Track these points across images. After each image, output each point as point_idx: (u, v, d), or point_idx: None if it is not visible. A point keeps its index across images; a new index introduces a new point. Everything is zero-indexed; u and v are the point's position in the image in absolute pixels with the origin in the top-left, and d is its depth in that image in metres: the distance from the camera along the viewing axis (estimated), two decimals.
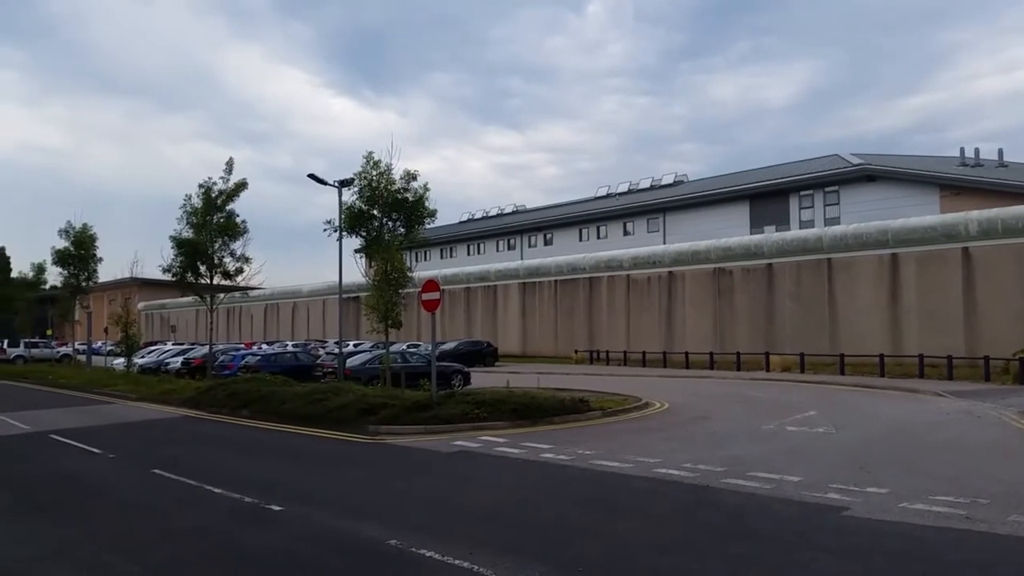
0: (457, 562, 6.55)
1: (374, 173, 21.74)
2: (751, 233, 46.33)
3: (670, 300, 42.78)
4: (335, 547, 7.36)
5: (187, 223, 28.34)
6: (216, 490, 10.01)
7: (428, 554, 6.82)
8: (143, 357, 38.82)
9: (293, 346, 43.65)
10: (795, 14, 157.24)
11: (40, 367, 42.95)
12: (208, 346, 30.78)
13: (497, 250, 68.71)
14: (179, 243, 28.15)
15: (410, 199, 21.95)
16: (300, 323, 71.20)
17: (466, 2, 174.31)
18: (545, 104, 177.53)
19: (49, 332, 63.69)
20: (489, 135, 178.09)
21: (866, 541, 7.18)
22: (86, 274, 38.76)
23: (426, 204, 22.17)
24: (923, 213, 36.48)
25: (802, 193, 47.68)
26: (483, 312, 55.00)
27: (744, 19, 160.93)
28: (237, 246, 28.59)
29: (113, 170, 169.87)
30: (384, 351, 23.75)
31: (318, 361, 31.04)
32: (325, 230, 23.45)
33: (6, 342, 56.30)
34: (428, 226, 23.47)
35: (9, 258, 51.73)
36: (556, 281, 50.02)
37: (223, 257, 28.48)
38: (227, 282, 29.71)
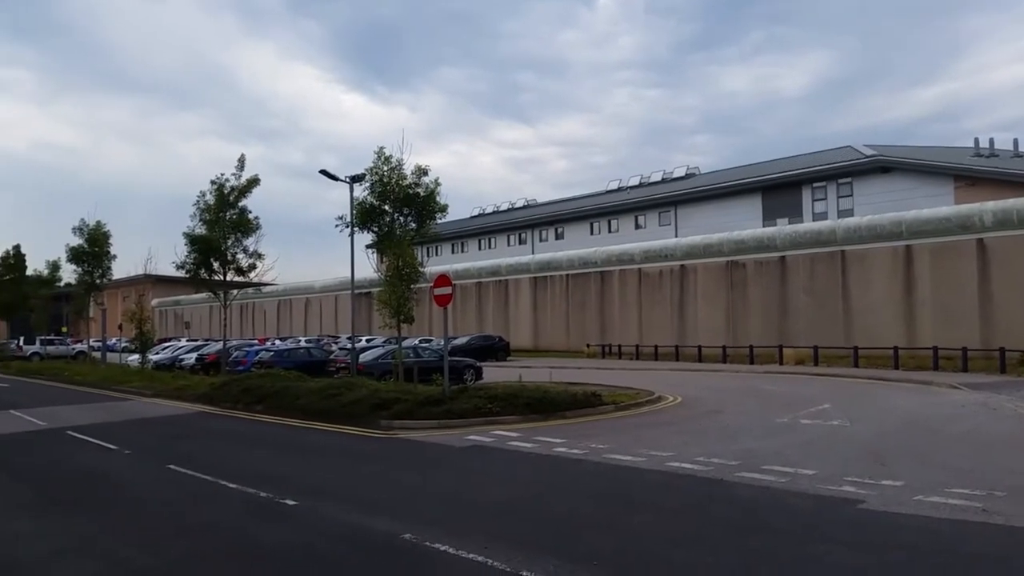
0: (471, 556, 6.57)
1: (385, 169, 21.75)
2: (764, 226, 46.13)
3: (682, 293, 42.67)
4: (350, 541, 7.40)
5: (200, 220, 28.48)
6: (231, 485, 10.07)
7: (442, 548, 6.84)
8: (157, 353, 39.13)
9: (306, 342, 43.83)
10: (808, 3, 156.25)
11: (56, 364, 43.31)
12: (222, 342, 30.95)
13: (508, 244, 68.70)
14: (192, 240, 28.28)
15: (421, 194, 21.95)
16: (313, 319, 71.46)
17: None
18: (556, 98, 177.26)
19: (64, 329, 64.16)
20: (500, 129, 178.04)
21: (881, 534, 7.15)
22: (100, 271, 39.06)
23: (437, 199, 22.16)
24: (937, 204, 36.22)
25: (815, 185, 47.43)
26: (495, 307, 55.03)
27: (756, 9, 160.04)
28: (250, 242, 28.74)
29: (126, 168, 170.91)
30: (396, 346, 23.80)
31: (331, 356, 31.13)
32: (337, 226, 23.53)
33: (22, 339, 56.80)
34: (439, 221, 23.46)
35: (24, 256, 52.01)
36: (567, 275, 49.97)
37: (236, 253, 28.61)
38: (240, 278, 29.85)
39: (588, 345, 45.09)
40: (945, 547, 6.77)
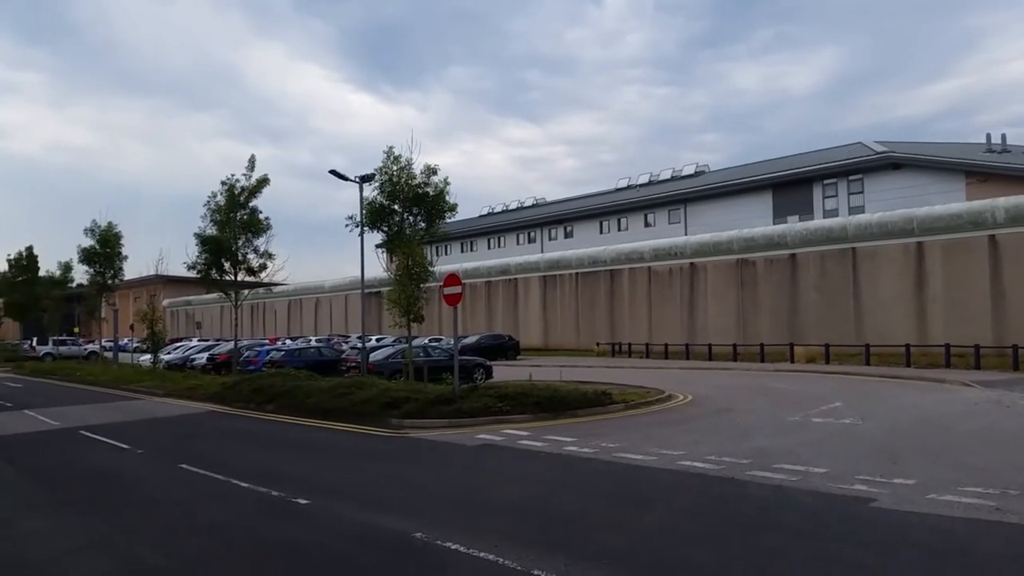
0: (482, 555, 6.58)
1: (394, 168, 21.78)
2: (774, 223, 45.96)
3: (692, 292, 42.57)
4: (362, 540, 7.42)
5: (211, 220, 28.60)
6: (243, 484, 10.11)
7: (454, 547, 6.85)
8: (169, 353, 39.30)
9: (316, 341, 43.95)
10: (817, 1, 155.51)
11: (68, 364, 43.60)
12: (233, 342, 31.07)
13: (517, 243, 68.70)
14: (203, 240, 28.40)
15: (430, 193, 21.97)
16: (323, 318, 71.66)
17: None
18: (564, 96, 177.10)
19: (76, 330, 64.59)
20: (508, 128, 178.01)
21: (894, 533, 7.12)
22: (112, 272, 39.28)
23: (446, 198, 22.18)
24: (949, 201, 35.99)
25: (826, 182, 47.23)
26: (504, 306, 55.05)
27: (765, 7, 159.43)
28: (260, 243, 28.83)
29: (139, 169, 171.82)
30: (407, 346, 23.84)
31: (343, 356, 31.18)
32: (347, 225, 23.63)
33: (35, 340, 57.15)
34: (448, 220, 23.50)
35: (37, 257, 52.36)
36: (577, 274, 49.93)
37: (247, 254, 28.71)
38: (251, 278, 29.96)
39: (598, 344, 45.04)
40: (959, 546, 6.73)
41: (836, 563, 6.32)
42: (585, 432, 13.98)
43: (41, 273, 51.72)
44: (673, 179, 62.42)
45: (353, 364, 27.21)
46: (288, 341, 48.13)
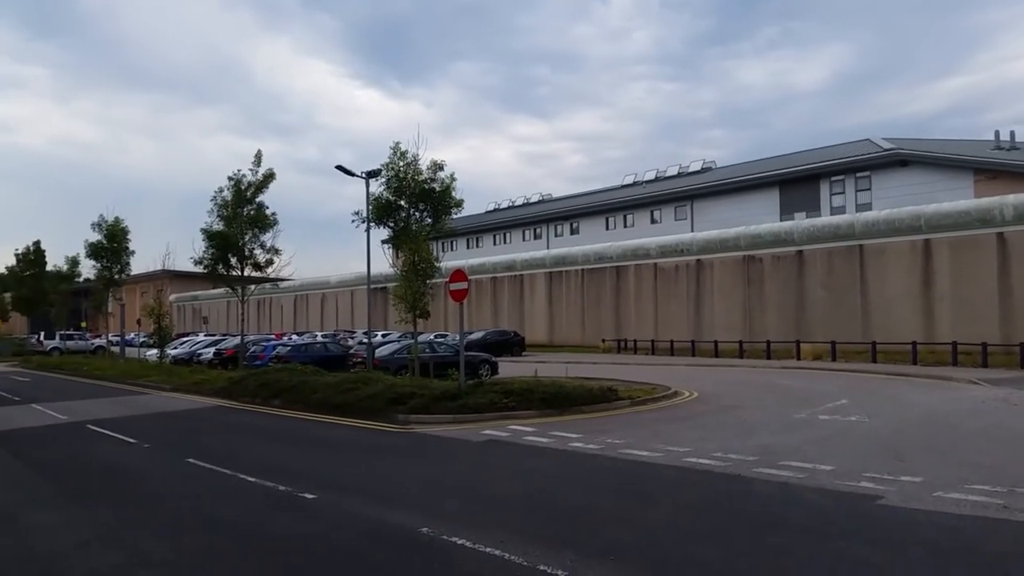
0: (488, 550, 6.59)
1: (401, 164, 21.79)
2: (781, 220, 45.82)
3: (698, 288, 42.50)
4: (369, 535, 7.43)
5: (218, 215, 28.67)
6: (250, 479, 10.15)
7: (460, 542, 6.87)
8: (176, 348, 39.39)
9: (322, 336, 44.02)
10: None
11: (75, 359, 43.79)
12: (239, 337, 31.15)
13: (523, 239, 68.65)
14: (210, 235, 28.47)
15: (437, 189, 21.98)
16: (329, 314, 71.77)
17: None
18: (571, 92, 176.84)
19: (83, 324, 64.82)
20: (515, 124, 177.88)
21: (901, 530, 7.10)
22: (119, 267, 39.44)
23: (453, 194, 22.19)
24: (957, 198, 35.81)
25: (833, 179, 47.05)
26: (510, 302, 55.03)
27: (771, 3, 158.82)
28: (267, 238, 28.94)
29: (145, 164, 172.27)
30: (412, 341, 23.86)
31: (351, 351, 31.17)
32: (353, 221, 23.67)
33: (42, 334, 57.41)
34: (454, 216, 23.50)
35: (44, 252, 52.59)
36: (583, 270, 49.88)
37: (253, 249, 28.80)
38: (257, 274, 30.04)
39: (603, 340, 45.02)
40: (966, 544, 6.71)
41: (843, 560, 6.30)
42: (591, 428, 13.98)
43: (48, 268, 51.97)
44: (680, 176, 62.30)
45: (361, 359, 27.25)
46: (294, 336, 48.23)
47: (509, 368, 26.78)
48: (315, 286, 74.39)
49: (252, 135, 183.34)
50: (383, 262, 27.27)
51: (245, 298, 30.02)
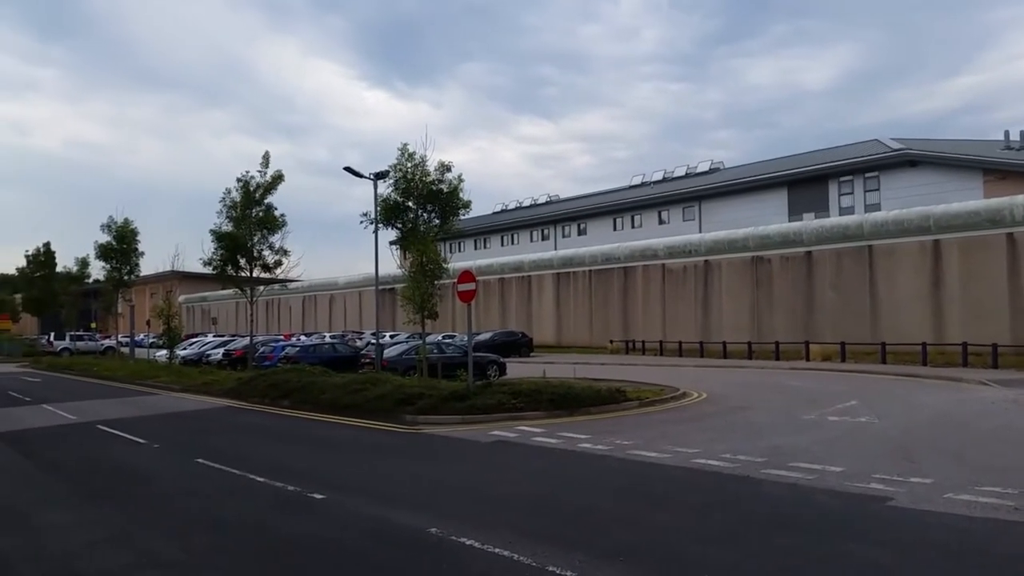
0: (497, 550, 6.59)
1: (409, 165, 21.85)
2: (789, 220, 45.72)
3: (706, 289, 42.41)
4: (377, 535, 7.45)
5: (227, 217, 28.79)
6: (258, 479, 10.18)
7: (468, 542, 6.87)
8: (185, 349, 39.57)
9: (331, 337, 44.13)
10: None
11: (85, 359, 43.99)
12: (248, 338, 31.24)
13: (531, 240, 68.66)
14: (219, 236, 28.59)
15: (445, 190, 22.03)
16: (337, 314, 71.91)
17: None
18: (578, 92, 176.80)
19: (93, 325, 65.13)
20: (522, 125, 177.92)
21: (911, 532, 7.07)
22: (128, 268, 39.64)
23: (460, 195, 22.23)
24: (966, 198, 35.66)
25: (842, 179, 46.90)
26: (518, 303, 55.04)
27: (780, 2, 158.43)
28: (276, 239, 29.03)
29: (154, 165, 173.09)
30: (420, 342, 23.90)
31: (362, 351, 31.18)
32: (361, 222, 23.72)
33: (52, 335, 57.72)
34: (462, 217, 23.53)
35: (54, 253, 52.91)
36: (591, 271, 49.84)
37: (262, 250, 28.90)
38: (266, 275, 30.13)
39: (611, 341, 44.96)
40: (977, 546, 6.68)
41: (852, 562, 6.28)
42: (599, 429, 13.97)
43: (58, 269, 52.30)
44: (687, 176, 62.19)
45: (368, 360, 27.31)
46: (303, 337, 48.36)
47: (517, 369, 26.78)
48: (323, 287, 74.55)
49: (261, 136, 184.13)
50: (391, 263, 27.31)
51: (254, 299, 30.11)
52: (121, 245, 38.94)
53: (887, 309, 34.24)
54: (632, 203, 60.47)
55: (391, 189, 22.43)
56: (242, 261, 28.88)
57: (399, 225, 22.78)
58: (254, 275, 29.44)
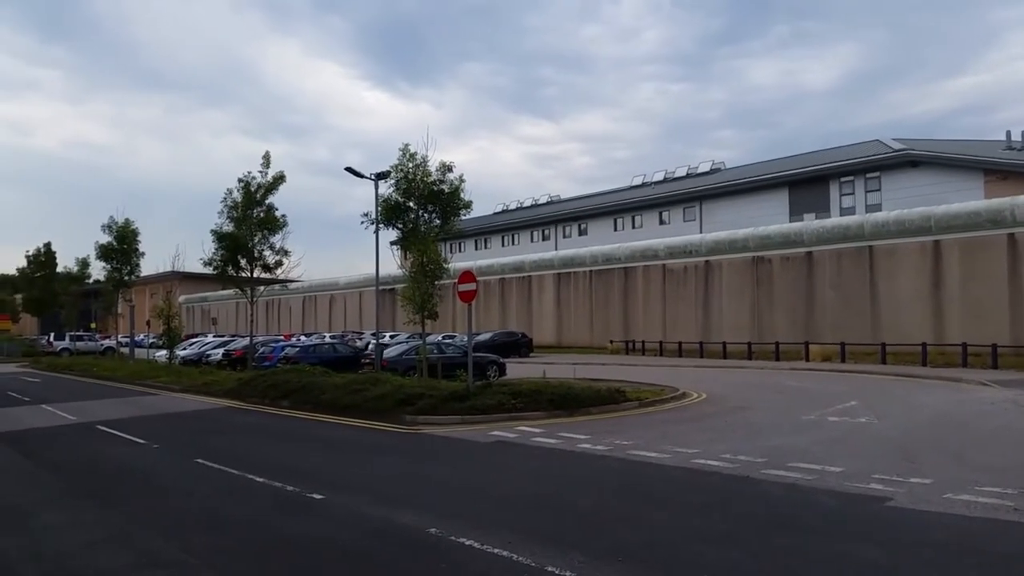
0: (496, 551, 6.59)
1: (410, 165, 21.84)
2: (790, 221, 45.73)
3: (707, 290, 42.41)
4: (377, 535, 7.45)
5: (228, 217, 28.78)
6: (258, 479, 10.18)
7: (467, 542, 6.87)
8: (185, 349, 39.57)
9: (331, 338, 44.13)
10: None
11: (85, 359, 44.00)
12: (248, 338, 31.25)
13: (532, 241, 68.67)
14: (220, 237, 28.58)
15: (446, 191, 22.01)
16: (337, 315, 71.92)
17: None
18: (579, 93, 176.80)
19: (93, 325, 65.15)
20: (523, 125, 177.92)
21: (911, 532, 7.07)
22: (128, 268, 39.63)
23: (461, 196, 22.21)
24: (967, 199, 35.67)
25: (843, 179, 46.91)
26: (518, 303, 55.04)
27: (782, 2, 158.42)
28: (276, 239, 29.01)
29: (155, 165, 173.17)
30: (421, 342, 23.90)
31: (366, 351, 31.16)
32: (362, 223, 23.68)
33: (52, 335, 57.72)
34: (463, 217, 23.52)
35: (55, 253, 52.93)
36: (591, 271, 49.84)
37: (263, 250, 28.88)
38: (267, 275, 30.13)
39: (611, 341, 44.96)
40: (976, 546, 6.68)
41: (851, 562, 6.28)
42: (599, 429, 13.97)
43: (59, 269, 52.31)
44: (688, 176, 62.19)
45: (368, 361, 27.32)
46: (303, 337, 48.37)
47: (517, 369, 26.78)
48: (324, 287, 74.57)
49: (262, 136, 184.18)
50: (392, 263, 27.35)
51: (254, 299, 30.11)
52: (122, 245, 38.93)
53: (887, 309, 34.23)
54: (633, 203, 60.48)
55: (392, 189, 22.42)
56: (243, 261, 28.87)
57: (400, 225, 22.77)
58: (254, 275, 29.44)
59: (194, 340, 47.46)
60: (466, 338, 19.58)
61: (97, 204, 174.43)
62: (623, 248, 48.79)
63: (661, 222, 57.12)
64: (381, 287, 30.27)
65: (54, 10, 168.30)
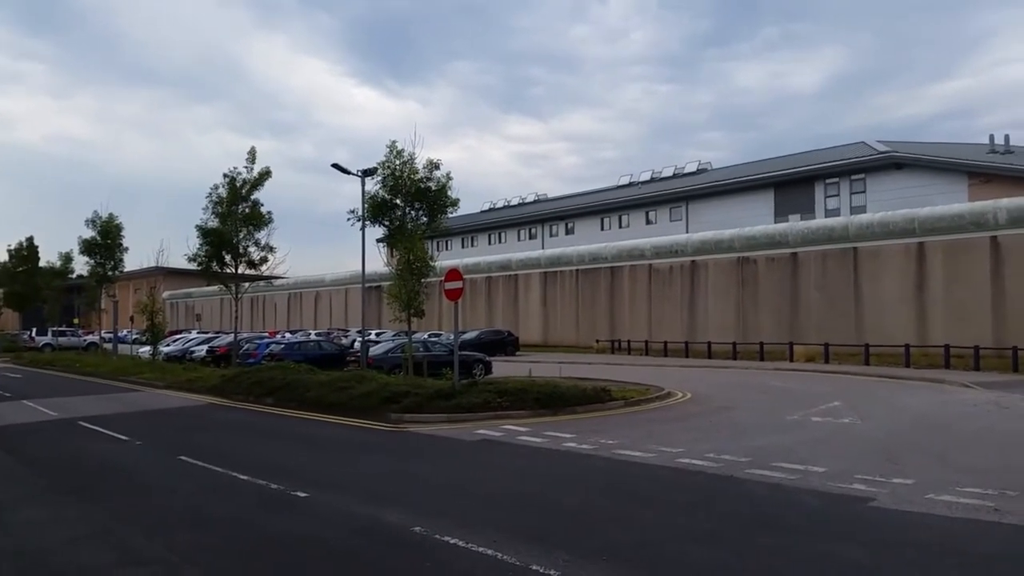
0: (480, 549, 6.59)
1: (397, 163, 21.77)
2: (776, 222, 45.96)
3: (692, 289, 42.56)
4: (361, 533, 7.42)
5: (213, 213, 28.58)
6: (242, 477, 10.12)
7: (452, 541, 6.86)
8: (168, 345, 39.30)
9: (316, 335, 43.97)
10: None
11: (67, 355, 43.58)
12: (233, 335, 31.09)
13: (519, 239, 68.68)
14: (205, 233, 28.37)
15: (433, 188, 21.96)
16: (323, 312, 71.68)
17: None
18: (567, 93, 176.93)
19: (76, 321, 64.55)
20: (511, 124, 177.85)
21: (893, 532, 7.12)
22: (112, 263, 39.24)
23: (448, 193, 22.17)
24: (951, 201, 35.98)
25: (828, 181, 47.19)
26: (504, 302, 55.04)
27: (770, 5, 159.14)
28: (262, 235, 28.80)
29: (140, 160, 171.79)
30: (406, 340, 23.85)
31: (351, 349, 31.05)
32: (348, 219, 23.57)
33: (34, 330, 57.16)
34: (450, 215, 23.48)
35: (37, 248, 52.39)
36: (578, 271, 49.91)
37: (248, 247, 28.70)
38: (252, 271, 29.95)
39: (597, 341, 45.04)
40: (957, 547, 6.74)
41: (833, 561, 6.32)
42: (585, 428, 13.99)
43: (41, 264, 51.74)
44: (675, 176, 62.36)
45: (353, 359, 27.24)
46: (288, 334, 48.15)
47: (503, 368, 26.78)
48: (309, 284, 74.28)
49: (249, 133, 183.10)
50: (378, 261, 27.27)
51: (239, 296, 29.94)
52: (105, 240, 38.54)
53: (871, 311, 34.48)
54: (620, 203, 60.60)
55: (379, 186, 22.34)
56: (227, 257, 28.68)
57: (386, 223, 22.69)
58: (239, 271, 29.26)
59: (178, 336, 47.16)
60: (452, 336, 19.55)
61: (81, 199, 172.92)
62: (610, 247, 48.89)
63: (648, 222, 57.27)
64: (367, 284, 30.20)
65: (41, 4, 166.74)
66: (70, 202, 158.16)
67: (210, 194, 28.67)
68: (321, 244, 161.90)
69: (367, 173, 23.89)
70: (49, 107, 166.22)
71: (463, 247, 73.11)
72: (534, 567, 6.09)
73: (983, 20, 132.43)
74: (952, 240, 32.18)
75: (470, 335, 41.15)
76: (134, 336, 45.37)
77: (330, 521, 7.89)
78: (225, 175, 28.46)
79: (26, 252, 51.83)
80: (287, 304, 77.81)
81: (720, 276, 41.12)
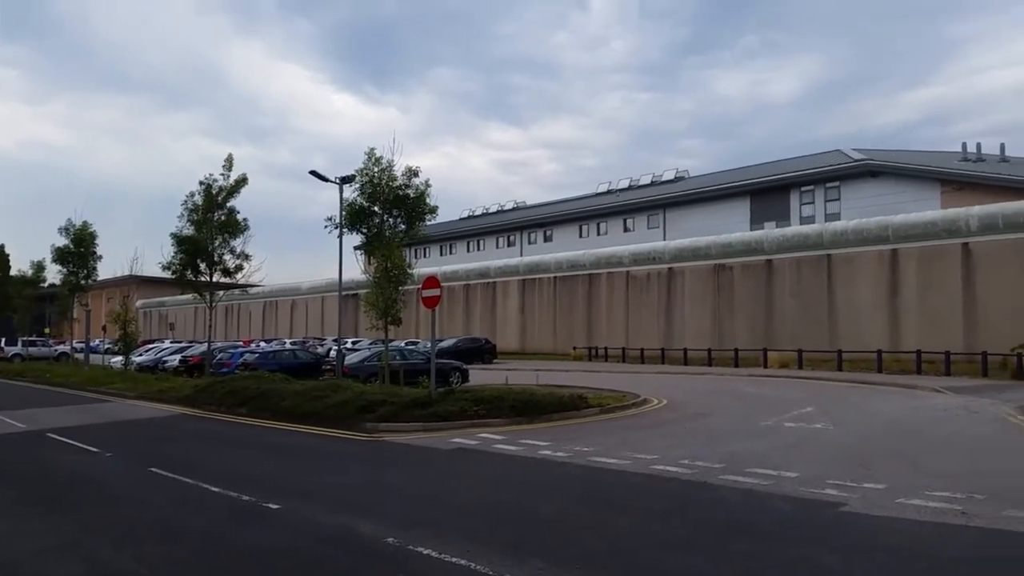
0: (454, 559, 6.55)
1: (376, 170, 21.73)
2: (751, 229, 46.39)
3: (669, 296, 42.80)
4: (334, 544, 7.35)
5: (188, 220, 28.31)
6: (213, 488, 10.00)
7: (425, 552, 6.81)
8: (141, 355, 38.83)
9: (292, 344, 43.66)
10: (801, 8, 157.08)
11: (38, 365, 42.88)
12: (206, 344, 30.78)
13: (497, 247, 68.73)
14: (179, 240, 28.09)
15: (411, 196, 21.93)
16: (299, 321, 71.22)
17: None
18: (547, 100, 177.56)
19: (47, 330, 63.65)
20: (491, 131, 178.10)
21: (863, 537, 7.18)
22: (85, 272, 38.68)
23: (427, 201, 22.16)
24: (924, 208, 36.52)
25: (803, 189, 47.72)
26: (482, 309, 55.01)
27: (750, 13, 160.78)
28: (237, 243, 28.56)
29: (115, 167, 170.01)
30: (383, 348, 23.74)
31: (327, 358, 30.84)
32: (326, 227, 23.48)
33: (3, 341, 56.23)
34: (428, 223, 23.46)
35: (8, 256, 51.57)
36: (555, 278, 50.02)
37: (223, 254, 28.44)
38: (227, 279, 29.68)
39: (575, 348, 45.13)
40: (926, 550, 6.81)
41: (808, 567, 6.36)
42: (560, 436, 13.98)
43: (12, 272, 50.92)
44: (653, 184, 62.81)
45: (328, 367, 27.06)
46: (263, 343, 47.76)
47: (480, 376, 26.73)
48: (285, 292, 73.80)
49: (226, 139, 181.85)
50: (355, 268, 27.16)
51: (213, 304, 29.65)
52: (79, 248, 37.99)
53: (845, 317, 34.85)
54: (598, 211, 60.87)
55: (357, 194, 22.29)
56: (202, 265, 28.40)
57: (364, 230, 22.61)
58: (214, 280, 28.98)
59: (151, 346, 46.61)
60: (429, 344, 19.49)
61: (54, 206, 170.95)
62: (588, 255, 49.08)
63: (626, 229, 57.55)
64: (344, 292, 30.05)
65: (16, 9, 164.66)
66: (43, 210, 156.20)
67: (185, 201, 28.45)
68: (298, 251, 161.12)
69: (345, 180, 23.81)
70: (23, 113, 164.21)
71: (441, 254, 73.03)
72: None
73: (956, 29, 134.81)
74: (925, 247, 32.65)
75: (447, 343, 41.09)
76: (106, 346, 44.76)
77: (301, 532, 7.80)
78: (201, 182, 28.25)
79: None
80: (262, 313, 77.23)
81: (697, 283, 41.39)
